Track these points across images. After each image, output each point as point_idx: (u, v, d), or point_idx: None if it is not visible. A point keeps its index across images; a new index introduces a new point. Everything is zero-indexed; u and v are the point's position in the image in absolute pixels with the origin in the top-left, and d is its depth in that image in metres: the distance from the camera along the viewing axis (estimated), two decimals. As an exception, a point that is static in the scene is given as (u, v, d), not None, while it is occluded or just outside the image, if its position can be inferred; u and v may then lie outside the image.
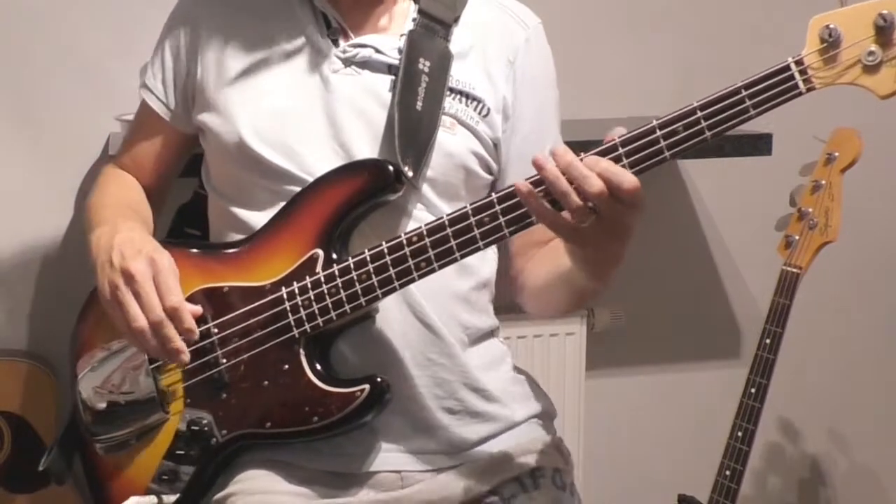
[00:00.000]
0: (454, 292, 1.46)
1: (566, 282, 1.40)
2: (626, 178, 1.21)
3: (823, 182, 1.80)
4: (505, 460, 1.48)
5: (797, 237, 1.82)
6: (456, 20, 1.49)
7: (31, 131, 1.97)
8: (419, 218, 1.43)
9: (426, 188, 1.44)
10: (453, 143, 1.44)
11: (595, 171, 1.20)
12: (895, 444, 2.57)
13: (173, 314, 1.34)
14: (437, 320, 1.44)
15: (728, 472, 1.83)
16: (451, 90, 1.45)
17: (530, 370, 1.63)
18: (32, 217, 1.99)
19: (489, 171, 1.50)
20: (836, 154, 1.79)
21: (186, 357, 1.36)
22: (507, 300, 1.61)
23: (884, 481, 2.59)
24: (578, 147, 1.59)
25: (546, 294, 1.50)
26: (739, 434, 1.82)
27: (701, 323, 2.39)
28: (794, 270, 1.82)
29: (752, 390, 1.82)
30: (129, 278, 1.35)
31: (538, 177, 1.24)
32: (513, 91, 1.49)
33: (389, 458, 1.44)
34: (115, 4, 1.96)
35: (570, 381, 2.16)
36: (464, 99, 1.46)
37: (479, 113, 1.46)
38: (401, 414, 1.43)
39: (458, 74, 1.46)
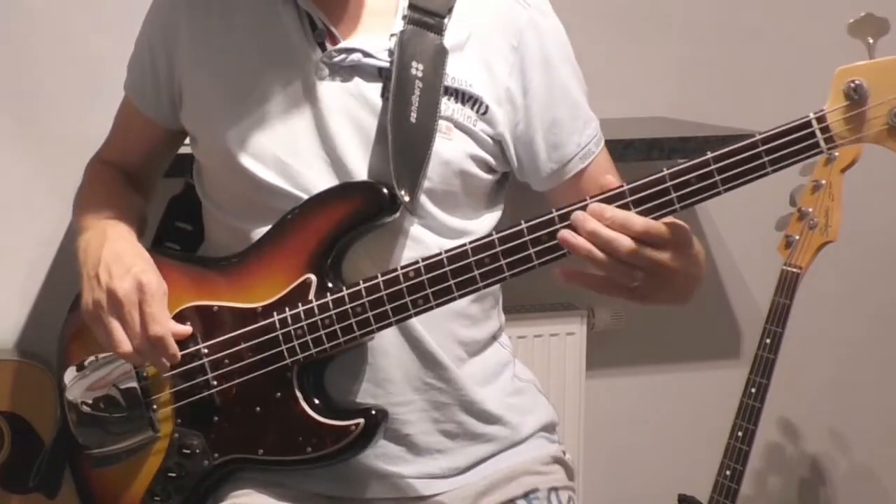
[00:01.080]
0: (452, 310, 1.38)
1: None
2: (634, 220, 1.18)
3: (823, 182, 1.80)
4: (501, 482, 1.45)
5: (797, 237, 1.82)
6: (450, 10, 1.39)
7: (31, 131, 1.97)
8: (414, 234, 1.38)
9: (423, 198, 1.38)
10: (450, 150, 1.37)
11: (605, 224, 1.17)
12: (895, 444, 2.57)
13: (157, 343, 1.32)
14: (434, 343, 1.39)
15: (728, 472, 1.83)
16: (447, 90, 1.37)
17: (530, 370, 1.61)
18: (32, 217, 1.99)
19: (490, 171, 1.43)
20: (837, 154, 1.79)
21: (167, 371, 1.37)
22: (511, 300, 1.60)
23: (884, 481, 2.59)
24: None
25: None
26: (740, 434, 1.82)
27: (701, 323, 2.38)
28: (795, 270, 1.82)
29: (753, 390, 1.82)
30: (114, 301, 1.32)
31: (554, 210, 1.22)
32: (521, 78, 1.40)
33: (385, 483, 1.41)
34: (116, 4, 1.95)
35: (570, 381, 2.16)
36: (460, 99, 1.38)
37: (477, 112, 1.39)
38: (398, 439, 1.40)
39: (454, 71, 1.37)
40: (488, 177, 1.44)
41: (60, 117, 1.97)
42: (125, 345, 1.32)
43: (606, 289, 1.22)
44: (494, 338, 1.51)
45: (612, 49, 2.23)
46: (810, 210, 1.81)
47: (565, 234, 1.19)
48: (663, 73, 2.27)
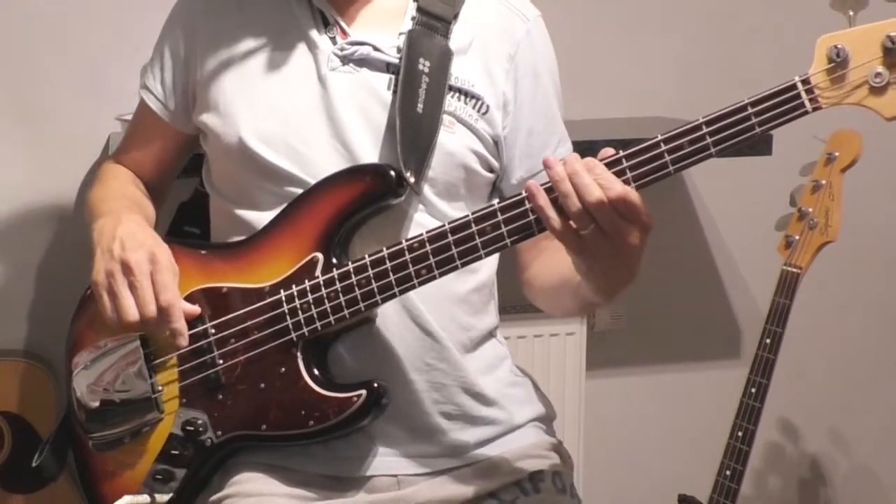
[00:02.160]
0: (454, 295, 1.45)
1: (572, 292, 1.39)
2: (615, 186, 1.20)
3: (824, 182, 1.80)
4: (504, 463, 1.47)
5: (797, 237, 1.82)
6: (455, 16, 1.47)
7: (31, 131, 1.97)
8: (418, 220, 1.42)
9: (426, 188, 1.43)
10: (453, 142, 1.43)
11: (592, 176, 1.21)
12: (895, 443, 2.57)
13: (166, 311, 1.36)
14: (436, 325, 1.43)
15: (728, 472, 1.83)
16: (451, 88, 1.43)
17: (530, 370, 1.62)
18: (32, 217, 1.99)
19: (490, 169, 1.49)
20: (837, 154, 1.79)
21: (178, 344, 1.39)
22: (510, 300, 1.61)
23: (884, 481, 2.59)
24: (578, 147, 1.59)
25: (552, 297, 1.50)
26: (740, 434, 1.82)
27: (701, 323, 2.39)
28: (795, 270, 1.82)
29: (753, 390, 1.82)
30: (127, 269, 1.36)
31: (548, 184, 1.24)
32: (513, 87, 1.47)
33: (386, 462, 1.44)
34: (116, 5, 1.96)
35: (570, 381, 2.16)
36: (463, 97, 1.44)
37: (479, 111, 1.45)
38: (398, 418, 1.42)
39: (458, 72, 1.44)
40: (488, 175, 1.49)
41: (62, 117, 1.97)
42: (132, 313, 1.35)
43: (557, 226, 1.23)
44: (492, 334, 1.55)
45: (612, 49, 2.23)
46: (810, 210, 1.81)
47: (550, 159, 1.24)
48: (662, 73, 2.27)
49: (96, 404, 1.47)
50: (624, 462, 2.38)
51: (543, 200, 1.23)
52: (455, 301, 1.46)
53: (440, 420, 1.45)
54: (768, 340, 1.82)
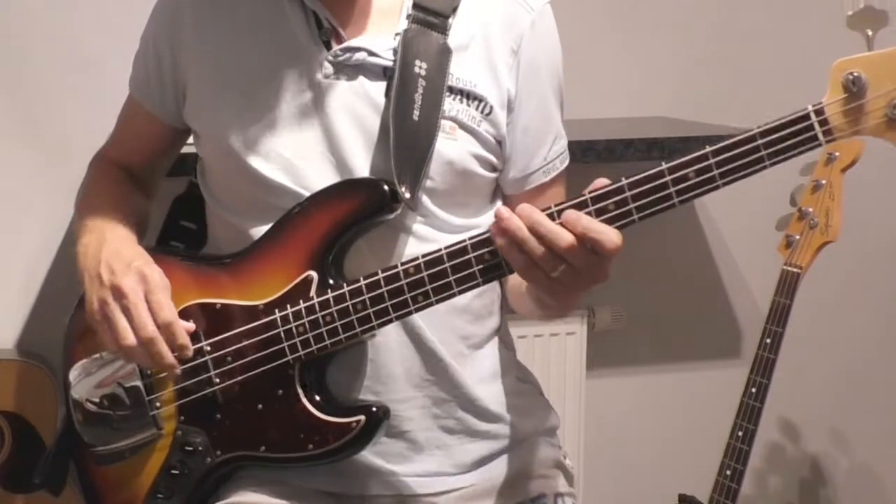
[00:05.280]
0: (455, 306, 1.39)
1: (534, 300, 1.37)
2: (608, 237, 1.18)
3: (824, 182, 1.80)
4: (506, 485, 1.45)
5: (798, 237, 1.82)
6: (454, 10, 1.39)
7: (31, 131, 1.97)
8: (417, 231, 1.38)
9: (424, 199, 1.38)
10: (454, 150, 1.37)
11: (576, 232, 1.18)
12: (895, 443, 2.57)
13: (166, 330, 1.32)
14: (435, 340, 1.39)
15: (729, 472, 1.83)
16: (451, 89, 1.36)
17: (530, 370, 1.61)
18: (32, 217, 1.99)
19: (493, 169, 1.43)
20: (837, 154, 1.79)
21: (178, 370, 1.35)
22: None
23: (884, 481, 2.59)
24: (578, 146, 1.59)
25: (518, 299, 1.47)
26: (740, 434, 1.82)
27: (701, 323, 2.39)
28: (795, 270, 1.81)
29: (753, 390, 1.81)
30: (119, 295, 1.32)
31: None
32: (516, 81, 1.40)
33: (387, 481, 1.41)
34: (116, 4, 1.96)
35: (570, 381, 2.16)
36: (464, 98, 1.37)
37: (482, 112, 1.38)
38: (398, 435, 1.40)
39: (458, 71, 1.37)
40: (491, 175, 1.44)
41: (60, 117, 1.97)
42: (130, 338, 1.31)
43: (522, 268, 1.21)
44: (496, 333, 1.50)
45: (612, 49, 2.23)
46: (811, 210, 1.80)
47: (500, 209, 1.21)
48: (663, 73, 2.27)
49: (95, 419, 1.45)
50: (624, 462, 2.37)
51: (502, 241, 1.21)
52: (456, 312, 1.41)
53: (441, 435, 1.42)
54: (769, 340, 1.82)
